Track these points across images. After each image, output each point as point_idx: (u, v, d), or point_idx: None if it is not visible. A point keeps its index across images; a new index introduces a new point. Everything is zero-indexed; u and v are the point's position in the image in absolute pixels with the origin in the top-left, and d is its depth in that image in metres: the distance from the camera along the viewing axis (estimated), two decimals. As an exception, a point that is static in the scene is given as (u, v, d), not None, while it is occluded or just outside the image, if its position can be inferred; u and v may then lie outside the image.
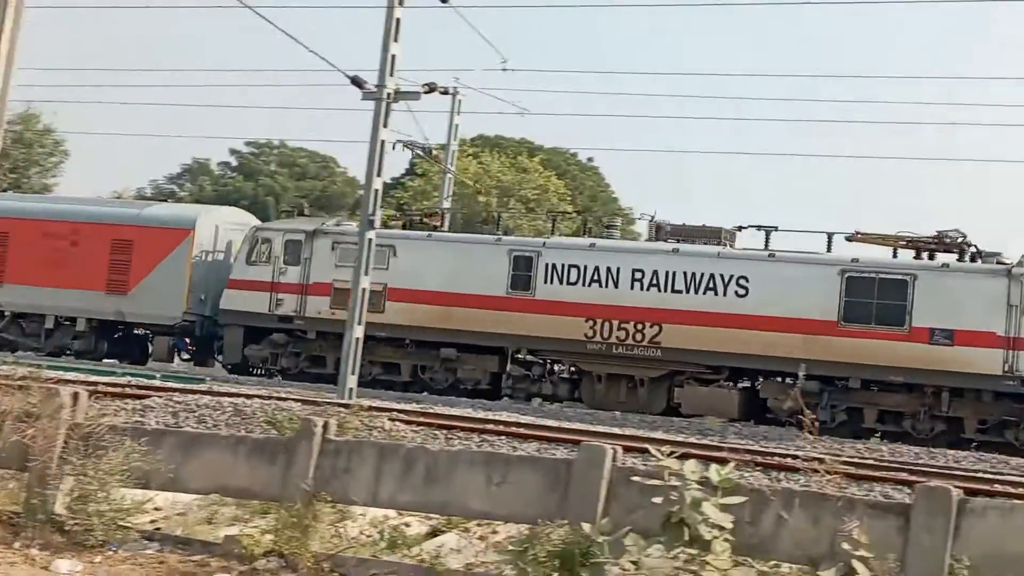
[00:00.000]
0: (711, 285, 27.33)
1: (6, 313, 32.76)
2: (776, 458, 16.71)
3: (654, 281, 27.72)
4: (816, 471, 9.71)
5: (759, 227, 28.59)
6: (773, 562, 8.23)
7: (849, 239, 27.77)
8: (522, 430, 18.78)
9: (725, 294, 27.24)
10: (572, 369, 28.82)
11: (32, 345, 32.31)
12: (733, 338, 26.97)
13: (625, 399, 27.92)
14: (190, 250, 31.66)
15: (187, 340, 32.26)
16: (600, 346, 28.02)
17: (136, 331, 32.81)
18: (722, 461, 8.39)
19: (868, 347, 26.09)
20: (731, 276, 27.26)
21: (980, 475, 17.17)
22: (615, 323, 27.94)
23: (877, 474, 16.35)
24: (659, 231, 28.99)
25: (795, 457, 14.75)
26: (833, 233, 27.72)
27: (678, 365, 27.54)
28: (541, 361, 29.04)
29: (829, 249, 27.56)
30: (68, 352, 32.10)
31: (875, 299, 26.19)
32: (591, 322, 28.14)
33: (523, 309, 28.65)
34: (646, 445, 11.74)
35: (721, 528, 7.72)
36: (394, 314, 29.54)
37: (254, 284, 30.94)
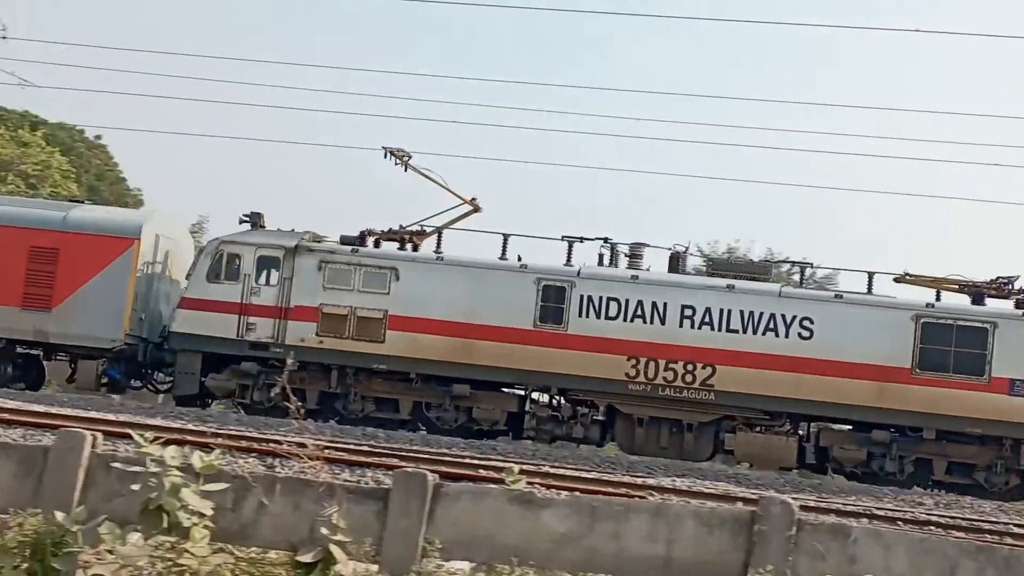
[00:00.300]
0: (771, 326, 25.07)
1: None
2: (272, 444, 15.90)
3: (707, 319, 25.19)
4: (299, 456, 9.68)
5: (794, 263, 26.63)
6: (259, 548, 8.34)
7: (897, 280, 26.20)
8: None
9: (787, 336, 25.04)
10: (600, 410, 25.94)
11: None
12: (796, 383, 24.86)
13: (667, 444, 25.36)
14: (134, 262, 26.63)
15: (119, 366, 27.22)
16: (643, 387, 25.25)
17: (58, 354, 27.41)
18: (208, 447, 9.00)
19: (944, 396, 24.56)
20: (794, 317, 25.07)
21: (465, 460, 17.60)
22: (662, 363, 25.24)
23: (371, 460, 16.49)
24: (677, 261, 26.48)
25: (278, 443, 14.08)
26: (874, 272, 26.08)
27: (732, 410, 25.18)
28: (566, 401, 25.98)
29: (870, 289, 25.85)
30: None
31: (953, 347, 24.67)
32: (633, 361, 25.32)
33: (553, 344, 25.48)
34: (129, 431, 11.45)
35: (201, 515, 7.88)
36: (396, 345, 25.74)
37: (217, 305, 26.30)
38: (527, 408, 26.15)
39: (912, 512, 17.69)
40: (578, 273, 25.84)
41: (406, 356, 25.74)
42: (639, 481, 17.99)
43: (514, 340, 25.59)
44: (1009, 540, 14.30)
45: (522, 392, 26.26)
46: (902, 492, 22.26)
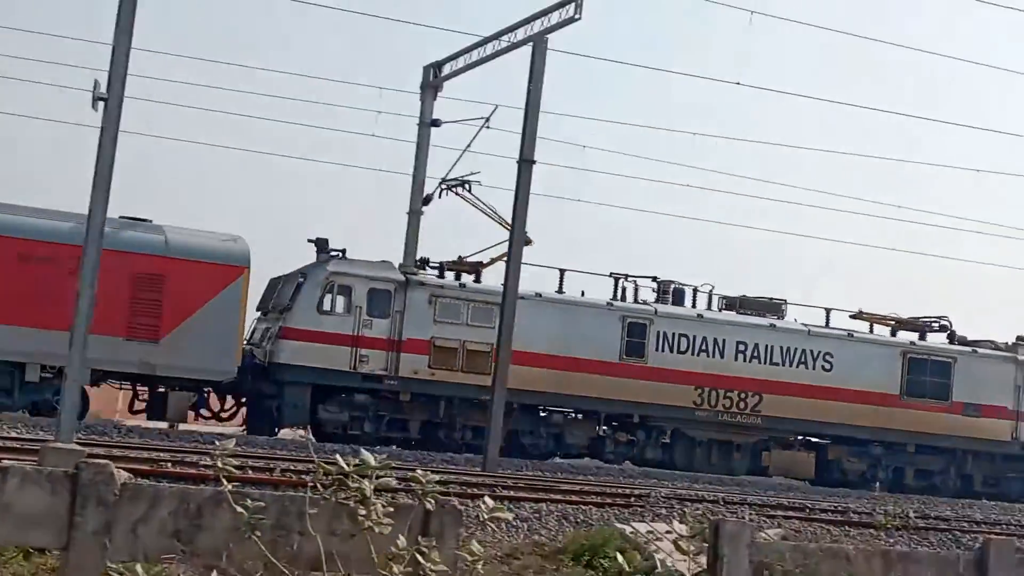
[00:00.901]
0: (803, 359, 29.76)
1: (-44, 361, 23.74)
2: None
3: (755, 354, 29.35)
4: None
5: (771, 299, 31.32)
6: None
7: (853, 316, 31.87)
8: None
9: (814, 368, 29.87)
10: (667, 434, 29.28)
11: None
12: (821, 408, 29.79)
13: (716, 461, 29.32)
14: (244, 291, 25.75)
15: (206, 396, 26.20)
16: (707, 413, 29.00)
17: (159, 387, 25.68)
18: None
19: (922, 417, 30.68)
20: (819, 352, 29.94)
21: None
22: (721, 392, 29.09)
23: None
24: (711, 300, 30.38)
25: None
26: (831, 309, 31.56)
27: (775, 432, 29.64)
28: (640, 427, 28.99)
29: (828, 323, 31.32)
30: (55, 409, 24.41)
31: (928, 377, 30.80)
32: (699, 390, 28.94)
33: (636, 376, 28.42)
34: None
35: None
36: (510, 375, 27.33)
37: (329, 337, 26.27)
38: (601, 432, 28.83)
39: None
40: (655, 312, 28.90)
41: (510, 387, 27.42)
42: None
43: (603, 372, 28.20)
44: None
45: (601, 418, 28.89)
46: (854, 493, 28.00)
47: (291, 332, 26.31)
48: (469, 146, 28.61)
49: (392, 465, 6.82)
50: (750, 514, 17.95)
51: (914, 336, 31.79)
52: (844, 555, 8.93)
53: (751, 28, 27.06)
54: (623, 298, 29.28)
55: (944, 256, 72.13)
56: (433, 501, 7.10)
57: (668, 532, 12.70)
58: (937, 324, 32.33)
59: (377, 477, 6.69)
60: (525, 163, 23.30)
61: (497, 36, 27.62)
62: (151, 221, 26.30)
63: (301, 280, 26.83)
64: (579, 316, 28.26)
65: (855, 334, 30.90)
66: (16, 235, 24.36)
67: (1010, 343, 32.21)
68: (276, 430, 26.65)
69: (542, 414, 28.19)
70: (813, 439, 30.56)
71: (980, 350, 31.81)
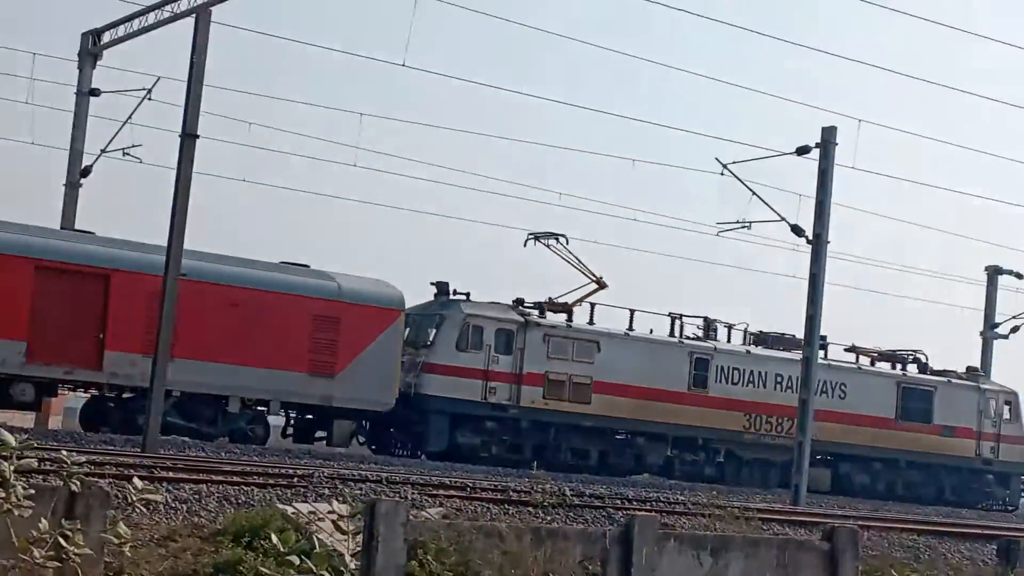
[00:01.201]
0: (825, 389, 35.24)
1: (175, 393, 26.71)
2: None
3: (789, 384, 34.64)
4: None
5: (793, 336, 36.72)
6: None
7: (847, 350, 37.66)
8: None
9: (832, 396, 35.41)
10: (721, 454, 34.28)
11: (204, 430, 27.14)
12: (839, 430, 35.34)
13: (756, 477, 34.48)
14: (401, 332, 29.44)
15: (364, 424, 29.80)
16: (753, 436, 34.16)
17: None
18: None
19: (913, 438, 36.65)
20: (836, 383, 35.53)
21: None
22: (763, 417, 34.30)
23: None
24: (746, 336, 35.60)
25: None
26: (828, 343, 37.24)
27: (803, 451, 34.95)
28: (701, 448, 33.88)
29: (826, 355, 37.01)
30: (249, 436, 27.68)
31: (916, 404, 36.79)
32: (747, 416, 34.08)
33: (700, 404, 33.34)
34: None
35: None
36: (598, 405, 31.83)
37: (464, 371, 30.22)
38: (671, 453, 33.57)
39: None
40: (715, 348, 33.91)
41: (604, 415, 31.95)
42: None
43: (674, 401, 33.02)
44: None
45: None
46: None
47: (434, 367, 30.14)
48: (130, 118, 29.45)
49: (35, 445, 6.69)
50: (413, 493, 17.52)
51: (897, 368, 37.82)
52: (497, 532, 9.40)
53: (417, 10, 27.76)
54: (680, 335, 34.18)
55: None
56: (79, 483, 6.91)
57: (330, 512, 12.61)
58: (912, 356, 38.47)
59: (19, 458, 6.49)
60: (188, 137, 21.66)
61: (160, 5, 28.57)
62: (309, 266, 29.72)
63: (440, 320, 30.65)
64: (656, 352, 33.02)
65: (862, 367, 36.67)
66: (224, 283, 27.48)
67: (962, 372, 38.63)
68: (420, 455, 30.39)
69: (627, 437, 32.77)
70: (829, 456, 36.11)
71: (952, 380, 38.06)
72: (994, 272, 42.18)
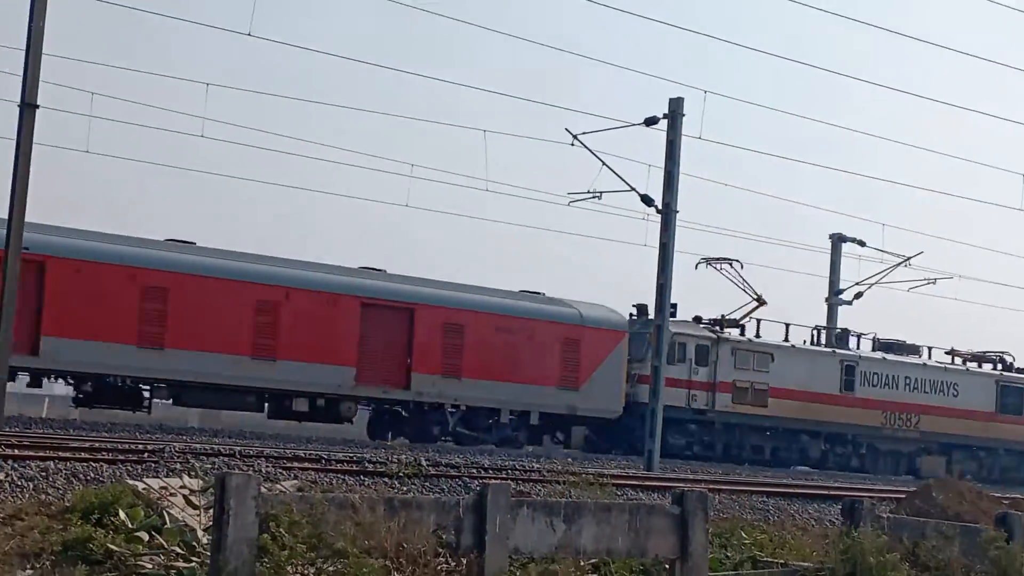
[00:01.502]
0: (942, 388, 40.89)
1: (461, 407, 31.44)
2: None
3: (916, 385, 40.23)
4: None
5: (912, 343, 42.28)
6: None
7: (948, 353, 43.33)
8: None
9: (947, 394, 41.07)
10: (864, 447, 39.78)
11: (482, 437, 31.91)
12: (953, 423, 41.02)
13: (888, 465, 40.03)
14: (626, 350, 34.37)
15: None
16: (889, 431, 39.69)
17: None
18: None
19: (1010, 429, 42.47)
20: (951, 383, 41.18)
21: None
22: (896, 414, 39.85)
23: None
24: (874, 344, 41.08)
25: None
26: (932, 347, 42.87)
27: (925, 442, 40.61)
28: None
29: (930, 356, 42.69)
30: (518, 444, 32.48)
31: (1011, 399, 42.60)
32: (885, 414, 39.60)
33: (849, 404, 38.77)
34: None
35: None
36: (773, 408, 37.09)
37: (672, 381, 35.07)
38: (824, 447, 38.93)
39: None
40: (860, 357, 39.36)
41: (778, 415, 37.23)
42: None
43: (829, 402, 38.41)
44: None
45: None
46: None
47: (647, 379, 35.08)
48: None
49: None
50: (267, 466, 17.21)
51: (997, 368, 43.63)
52: (350, 504, 9.24)
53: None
54: (829, 344, 39.57)
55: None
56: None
57: (182, 487, 12.56)
58: (998, 357, 44.33)
59: None
60: (27, 107, 20.12)
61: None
62: (544, 294, 34.54)
63: (647, 338, 35.60)
64: (815, 361, 38.37)
65: (970, 368, 42.37)
66: (497, 312, 32.16)
67: None
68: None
69: (793, 434, 38.11)
70: (944, 446, 41.81)
71: (1032, 377, 44.06)
72: (838, 240, 43.24)
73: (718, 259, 38.24)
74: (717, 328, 37.08)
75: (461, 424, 31.66)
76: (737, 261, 38.16)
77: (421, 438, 30.45)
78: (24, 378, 27.16)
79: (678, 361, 35.56)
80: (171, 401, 29.33)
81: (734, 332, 37.69)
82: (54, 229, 27.00)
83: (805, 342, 39.23)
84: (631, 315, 36.52)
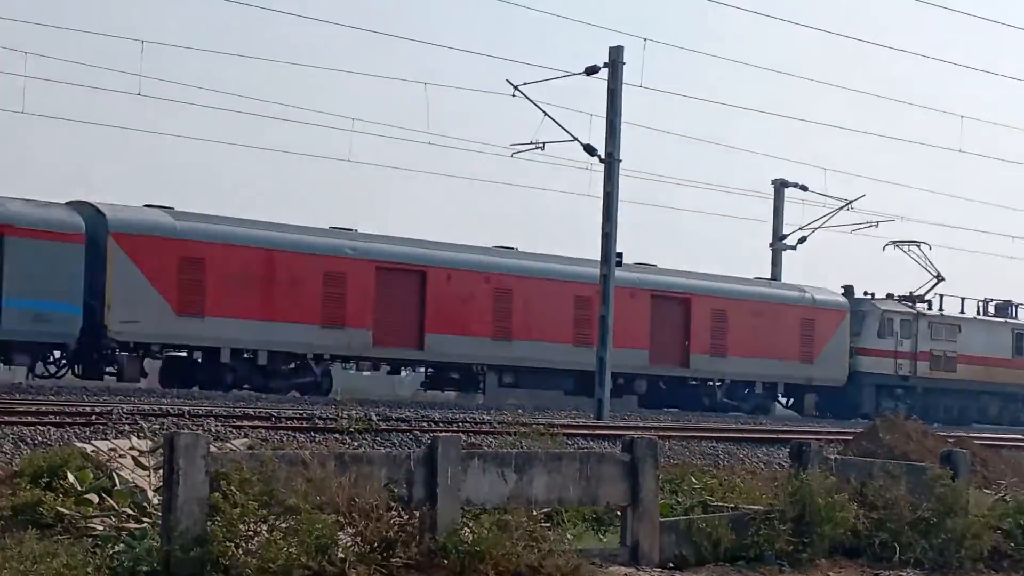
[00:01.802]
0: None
1: (726, 381, 36.85)
2: None
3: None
4: None
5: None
6: None
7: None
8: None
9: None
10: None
11: (742, 406, 37.30)
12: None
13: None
14: (848, 327, 39.75)
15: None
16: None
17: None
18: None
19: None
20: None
21: None
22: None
23: None
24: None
25: None
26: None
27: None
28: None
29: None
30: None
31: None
32: (1037, 371, 45.10)
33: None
34: None
35: None
36: (963, 373, 42.45)
37: (883, 353, 40.56)
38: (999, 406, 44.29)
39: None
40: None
41: (966, 379, 42.63)
42: None
43: (1004, 366, 43.78)
44: None
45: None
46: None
47: (864, 351, 40.46)
48: None
49: None
50: (216, 425, 17.11)
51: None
52: (301, 460, 9.35)
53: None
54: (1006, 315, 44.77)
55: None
56: None
57: (131, 449, 12.59)
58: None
59: None
60: None
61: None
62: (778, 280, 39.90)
63: (863, 316, 40.86)
64: (991, 330, 43.73)
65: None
66: (749, 299, 37.50)
67: None
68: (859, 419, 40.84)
69: (975, 395, 43.47)
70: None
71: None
72: (781, 185, 43.92)
73: (907, 242, 43.51)
74: (911, 304, 42.42)
75: (727, 395, 37.08)
76: (925, 243, 43.52)
77: (693, 407, 35.84)
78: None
79: (887, 335, 40.91)
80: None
81: (922, 307, 43.04)
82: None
83: (1005, 322, 44.37)
84: (842, 293, 41.71)
